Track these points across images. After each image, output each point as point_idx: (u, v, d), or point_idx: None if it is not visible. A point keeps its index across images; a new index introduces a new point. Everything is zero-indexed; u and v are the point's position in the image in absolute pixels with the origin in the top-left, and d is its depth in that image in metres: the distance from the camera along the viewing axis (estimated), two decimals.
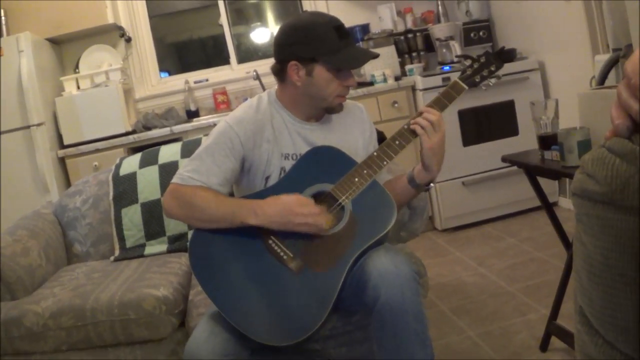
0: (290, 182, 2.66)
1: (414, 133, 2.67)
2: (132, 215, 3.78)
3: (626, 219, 0.99)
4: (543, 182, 3.32)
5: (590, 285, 1.05)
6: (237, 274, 2.53)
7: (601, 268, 1.02)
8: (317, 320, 2.37)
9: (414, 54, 6.53)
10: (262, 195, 2.63)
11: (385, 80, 5.89)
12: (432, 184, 2.83)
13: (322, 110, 2.82)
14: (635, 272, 0.99)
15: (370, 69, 5.98)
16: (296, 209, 2.49)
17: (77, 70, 6.04)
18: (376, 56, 2.76)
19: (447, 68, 5.95)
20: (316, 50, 2.63)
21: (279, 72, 2.76)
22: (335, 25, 2.66)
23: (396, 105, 5.80)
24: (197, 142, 3.88)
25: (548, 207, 3.37)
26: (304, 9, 6.72)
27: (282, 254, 2.52)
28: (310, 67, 2.65)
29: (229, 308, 2.44)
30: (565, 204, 5.75)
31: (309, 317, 2.38)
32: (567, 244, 3.33)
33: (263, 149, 2.71)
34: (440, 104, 2.71)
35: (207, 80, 6.63)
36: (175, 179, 2.67)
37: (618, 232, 1.00)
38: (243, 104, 2.86)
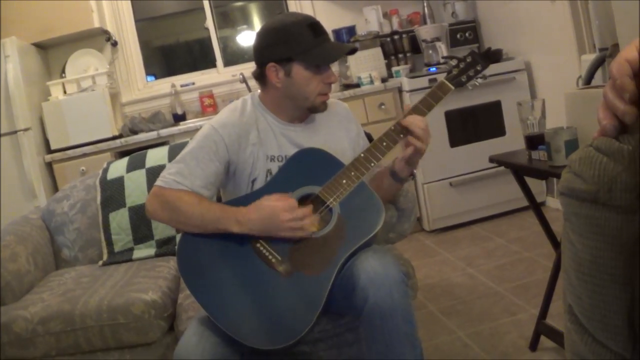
0: (277, 185, 2.65)
1: (400, 134, 2.67)
2: (120, 220, 3.77)
3: (614, 217, 0.99)
4: (530, 182, 3.32)
5: (579, 284, 1.06)
6: (226, 278, 2.52)
7: (590, 267, 1.03)
8: (306, 323, 2.37)
9: (400, 56, 6.53)
10: (248, 198, 2.62)
11: (371, 82, 5.88)
12: (415, 173, 2.86)
13: (306, 111, 2.81)
14: (624, 270, 0.99)
15: (356, 71, 5.99)
16: (280, 215, 2.49)
17: (63, 75, 6.02)
18: (353, 50, 2.78)
19: (433, 69, 5.95)
20: (292, 50, 2.64)
21: (260, 76, 2.77)
22: (308, 23, 2.67)
23: (383, 106, 5.80)
24: (184, 146, 3.84)
25: (536, 207, 3.38)
26: (290, 11, 6.71)
27: (270, 257, 2.52)
28: (288, 67, 2.66)
29: (218, 312, 2.43)
30: (553, 204, 5.77)
31: (299, 321, 2.38)
32: (555, 244, 3.33)
33: (248, 152, 2.71)
34: (426, 104, 2.71)
35: (193, 83, 6.62)
36: (158, 182, 2.66)
37: (606, 230, 1.00)
38: (227, 107, 2.86)
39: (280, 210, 2.49)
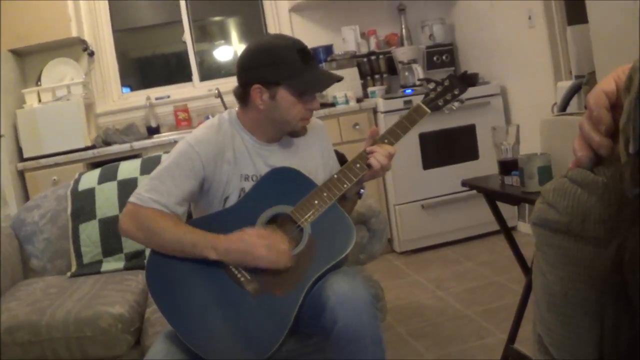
0: (250, 204, 2.65)
1: None
2: (90, 231, 3.75)
3: (586, 249, 0.99)
4: (502, 206, 3.33)
5: (550, 315, 1.05)
6: (194, 295, 2.52)
7: (561, 298, 1.03)
8: (273, 343, 2.36)
9: (377, 76, 6.54)
10: (220, 215, 2.62)
11: (347, 101, 5.89)
12: (362, 192, 2.87)
13: (285, 134, 2.81)
14: (595, 303, 0.99)
15: (332, 90, 5.97)
16: (258, 251, 2.49)
17: (39, 83, 5.98)
18: (340, 79, 2.76)
19: (409, 91, 5.96)
20: (280, 74, 2.62)
21: (242, 95, 2.75)
22: (298, 49, 2.66)
23: (357, 127, 5.80)
24: (157, 159, 3.86)
25: (507, 231, 3.39)
26: (268, 28, 6.72)
27: (239, 276, 2.51)
28: (273, 90, 2.64)
29: (184, 329, 2.43)
30: (524, 229, 5.78)
31: (266, 340, 2.38)
32: (526, 269, 3.34)
33: (223, 170, 2.70)
34: (402, 127, 2.72)
35: (168, 96, 6.59)
36: (133, 199, 2.62)
37: (578, 261, 1.00)
38: (204, 123, 2.84)
39: (259, 247, 2.48)
